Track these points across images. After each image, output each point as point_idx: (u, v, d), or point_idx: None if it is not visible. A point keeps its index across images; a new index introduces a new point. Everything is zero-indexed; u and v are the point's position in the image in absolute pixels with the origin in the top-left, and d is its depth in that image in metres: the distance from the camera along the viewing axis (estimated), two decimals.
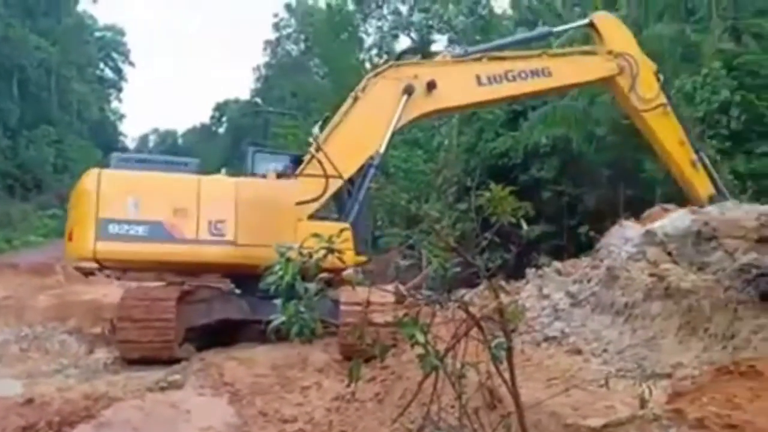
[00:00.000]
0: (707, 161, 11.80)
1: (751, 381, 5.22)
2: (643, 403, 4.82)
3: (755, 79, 14.78)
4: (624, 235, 9.39)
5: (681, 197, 14.91)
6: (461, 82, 10.80)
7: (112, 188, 9.12)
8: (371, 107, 10.31)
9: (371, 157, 9.99)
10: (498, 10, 33.36)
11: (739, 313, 6.49)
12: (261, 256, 7.89)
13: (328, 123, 10.65)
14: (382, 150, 10.16)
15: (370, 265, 10.92)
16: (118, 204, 9.00)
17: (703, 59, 14.76)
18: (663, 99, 11.37)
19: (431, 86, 10.42)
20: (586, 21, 11.90)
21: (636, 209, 16.07)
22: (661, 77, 11.56)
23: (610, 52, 11.29)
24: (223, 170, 10.68)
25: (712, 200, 11.01)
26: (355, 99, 10.40)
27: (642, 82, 11.24)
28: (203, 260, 9.22)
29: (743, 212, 8.52)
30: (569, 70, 11.41)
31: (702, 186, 11.49)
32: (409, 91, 10.27)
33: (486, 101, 12.07)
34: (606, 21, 11.80)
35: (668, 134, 11.53)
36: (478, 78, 10.80)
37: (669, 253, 8.35)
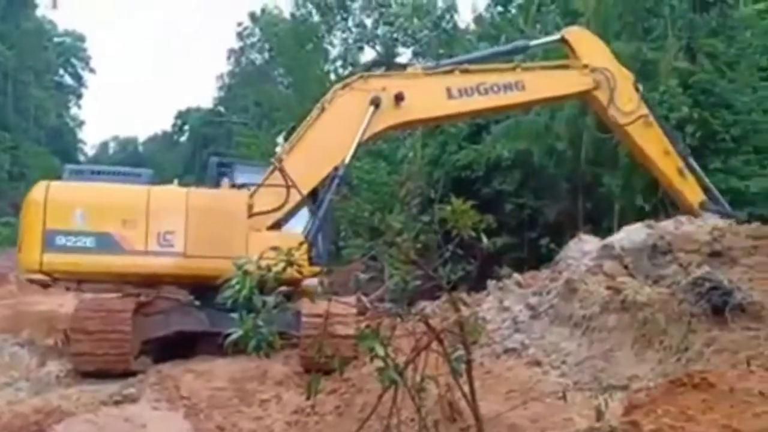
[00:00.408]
0: (696, 167, 11.70)
1: (703, 393, 5.32)
2: (599, 415, 4.90)
3: (709, 97, 15.22)
4: (582, 248, 9.56)
5: (638, 211, 15.29)
6: (431, 95, 10.71)
7: (60, 199, 9.05)
8: (337, 118, 10.26)
9: (336, 168, 9.91)
10: (462, 25, 33.82)
11: (693, 326, 6.63)
12: (211, 267, 7.87)
13: (293, 133, 10.61)
14: (347, 161, 10.08)
15: (332, 277, 10.89)
16: (66, 215, 8.93)
17: (660, 77, 15.14)
18: (644, 110, 11.24)
19: (399, 98, 10.32)
20: (557, 36, 11.84)
21: (595, 222, 16.43)
22: (641, 87, 11.46)
23: (585, 66, 11.15)
24: (176, 181, 10.58)
25: (703, 206, 10.97)
26: (322, 110, 10.35)
27: (621, 95, 11.10)
28: (152, 272, 9.12)
29: (696, 227, 8.77)
30: (543, 84, 11.24)
31: (692, 193, 11.37)
32: (376, 102, 10.19)
33: (457, 114, 11.91)
34: (578, 35, 11.68)
35: (652, 145, 11.39)
36: (448, 91, 10.68)
37: (626, 267, 8.53)
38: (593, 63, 11.13)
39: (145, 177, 9.99)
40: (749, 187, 14.83)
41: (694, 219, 9.48)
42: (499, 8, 30.54)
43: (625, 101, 11.10)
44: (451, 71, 10.88)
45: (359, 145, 10.30)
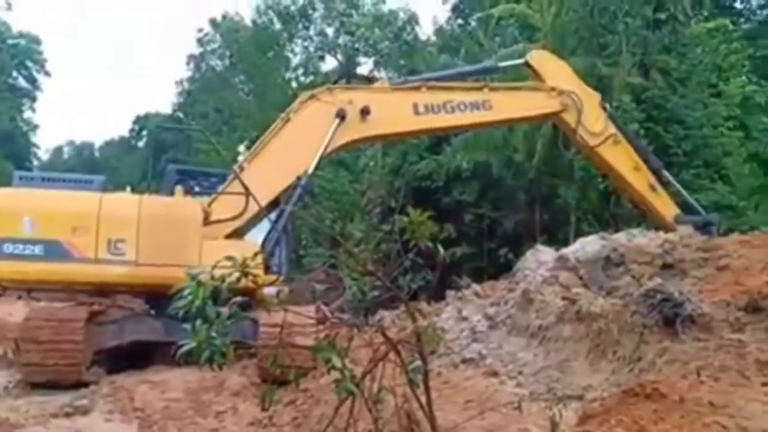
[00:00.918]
0: (670, 177, 11.85)
1: (655, 403, 5.44)
2: (554, 425, 4.96)
3: (662, 112, 15.66)
4: (539, 259, 9.70)
5: (593, 221, 15.62)
6: (397, 110, 10.71)
7: (8, 206, 8.90)
8: (302, 129, 10.23)
9: (299, 178, 9.88)
10: (422, 36, 34.12)
11: (645, 337, 6.77)
12: (164, 276, 7.78)
13: (256, 142, 10.55)
14: (310, 171, 10.05)
15: (293, 286, 10.82)
16: (14, 223, 8.76)
17: (614, 92, 15.50)
18: (612, 129, 11.33)
19: (365, 112, 10.32)
20: (521, 61, 11.84)
21: (552, 233, 16.72)
22: (608, 106, 11.57)
23: (553, 89, 11.22)
24: (129, 188, 10.41)
25: (677, 220, 11.10)
26: (287, 119, 10.32)
27: (588, 116, 11.18)
28: (103, 280, 8.98)
29: (649, 239, 8.99)
30: (510, 104, 11.27)
31: (664, 207, 11.49)
32: (341, 115, 10.19)
33: (422, 130, 11.93)
34: (541, 59, 11.72)
35: (622, 163, 11.47)
36: (415, 107, 10.70)
37: (580, 278, 8.70)
38: (560, 86, 11.24)
39: (97, 184, 9.81)
40: (699, 200, 15.26)
41: (646, 231, 9.69)
42: (460, 21, 31.01)
43: (593, 122, 11.21)
44: (418, 87, 10.92)
45: (323, 156, 10.27)
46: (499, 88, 11.36)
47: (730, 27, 17.77)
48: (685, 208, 11.71)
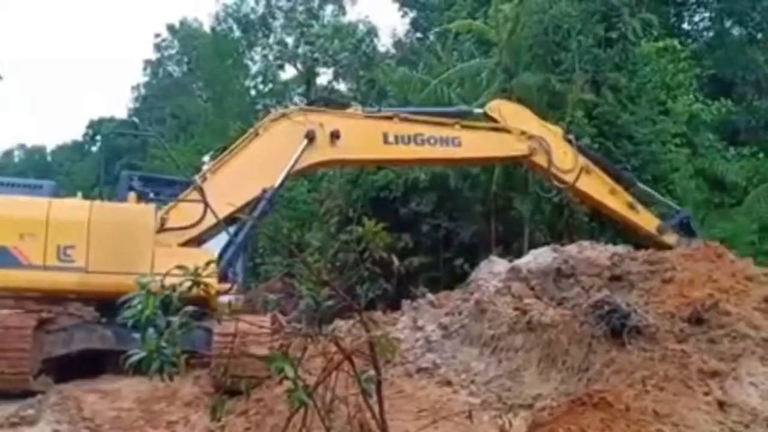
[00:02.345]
0: (645, 188, 12.05)
1: (602, 412, 5.59)
2: None
3: (612, 128, 16.04)
4: (492, 270, 9.87)
5: (547, 232, 15.90)
6: (366, 137, 10.76)
7: None
8: (270, 146, 10.22)
9: (265, 190, 9.84)
10: (382, 49, 34.34)
11: (593, 347, 6.97)
12: (114, 283, 7.66)
13: (222, 153, 10.52)
14: (276, 185, 10.01)
15: (249, 295, 10.75)
16: None
17: (566, 108, 15.86)
18: (581, 160, 11.43)
19: (335, 136, 10.34)
20: (480, 111, 11.93)
21: (506, 244, 16.96)
22: (571, 138, 11.69)
23: (523, 133, 11.34)
24: (80, 194, 10.22)
25: (660, 231, 11.33)
26: (255, 134, 10.32)
27: (557, 155, 11.30)
28: (52, 287, 8.78)
29: (598, 252, 9.26)
30: (479, 144, 11.37)
31: (647, 223, 11.65)
32: (310, 136, 10.19)
33: (390, 160, 11.97)
34: (500, 108, 11.79)
35: (598, 190, 11.62)
36: (385, 136, 10.75)
37: (532, 288, 8.90)
38: (524, 129, 11.37)
39: (47, 189, 9.61)
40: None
41: (596, 244, 9.96)
42: (419, 35, 31.31)
43: (563, 159, 11.34)
44: (390, 117, 11.00)
45: (288, 176, 10.26)
46: (471, 126, 11.46)
47: (678, 47, 18.36)
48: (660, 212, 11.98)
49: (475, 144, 11.32)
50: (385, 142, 10.75)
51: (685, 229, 11.60)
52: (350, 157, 11.22)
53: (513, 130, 11.39)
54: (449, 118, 11.37)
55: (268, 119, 10.60)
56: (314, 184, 24.50)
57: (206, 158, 10.78)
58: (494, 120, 11.57)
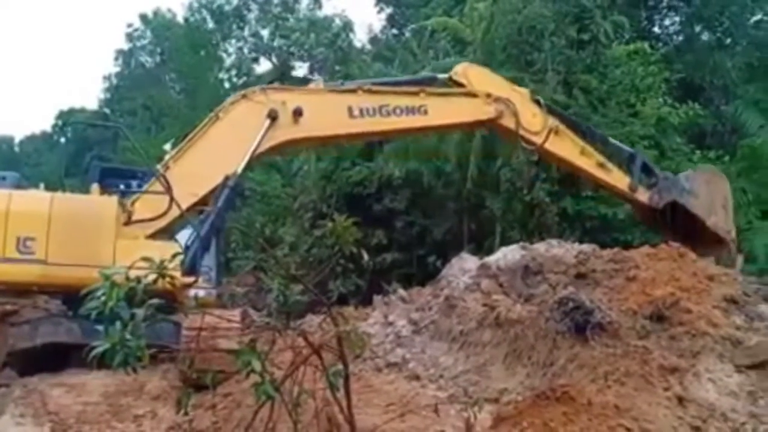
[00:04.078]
0: (614, 142, 12.00)
1: (565, 406, 5.71)
2: (469, 428, 5.16)
3: None
4: (463, 267, 9.96)
5: (519, 230, 16.08)
6: (331, 113, 10.43)
7: None
8: (231, 128, 9.92)
9: (227, 178, 9.58)
10: (357, 44, 34.29)
11: (558, 343, 7.10)
12: (75, 276, 7.59)
13: (183, 140, 10.26)
14: (239, 171, 9.73)
15: (220, 289, 10.66)
16: None
17: None
18: (550, 121, 11.21)
19: (298, 114, 10.03)
20: (445, 77, 11.66)
21: (478, 241, 17.13)
22: (539, 98, 11.50)
23: (489, 95, 11.08)
24: (42, 185, 10.07)
25: (632, 189, 11.33)
26: (216, 118, 10.00)
27: (525, 116, 11.08)
28: (11, 279, 8.70)
29: (565, 250, 9.42)
30: (446, 110, 11.12)
31: (618, 181, 11.53)
32: (273, 116, 9.88)
33: (356, 134, 11.59)
34: (465, 72, 11.51)
35: (569, 150, 11.45)
36: (349, 110, 10.42)
37: (501, 285, 9.01)
38: (491, 92, 11.15)
39: (10, 180, 9.51)
40: (617, 213, 15.97)
41: (564, 243, 10.11)
42: (394, 31, 31.33)
43: (531, 121, 11.12)
44: (354, 90, 10.71)
45: (252, 158, 9.99)
46: (435, 93, 11.20)
47: (649, 50, 18.63)
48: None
49: (442, 111, 11.08)
50: (351, 116, 10.46)
51: (645, 171, 11.64)
52: (315, 134, 10.81)
53: (479, 94, 11.14)
54: (414, 87, 11.18)
55: (228, 101, 10.31)
56: (288, 179, 24.45)
57: (167, 146, 10.50)
58: (460, 85, 11.32)
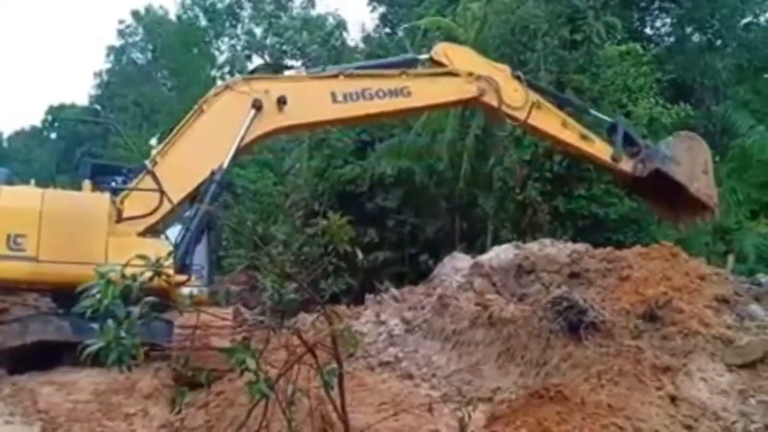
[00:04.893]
0: (595, 113, 12.05)
1: (558, 405, 5.73)
2: (462, 426, 5.15)
3: None
4: (455, 266, 9.97)
5: (512, 229, 16.12)
6: (314, 99, 10.40)
7: None
8: (216, 120, 9.84)
9: (213, 173, 9.49)
10: (351, 43, 34.22)
11: (551, 342, 7.11)
12: (67, 273, 7.49)
13: (169, 135, 10.19)
14: (225, 165, 9.64)
15: (212, 287, 10.57)
16: None
17: None
18: (532, 97, 11.20)
19: (282, 102, 9.99)
20: (426, 57, 11.65)
21: (470, 240, 17.15)
22: (520, 74, 11.52)
23: (470, 74, 11.10)
24: (33, 181, 9.99)
25: (615, 158, 11.23)
26: (200, 111, 9.92)
27: (506, 92, 11.11)
28: (1, 276, 8.53)
29: (558, 249, 9.44)
30: (428, 91, 11.13)
31: (601, 152, 11.50)
32: (257, 105, 9.82)
33: (341, 119, 11.59)
34: (445, 51, 11.50)
35: (551, 124, 11.42)
36: (333, 95, 10.40)
37: (494, 284, 9.02)
38: (472, 71, 11.16)
39: (0, 176, 9.38)
40: (609, 214, 16.04)
41: (557, 242, 10.13)
42: (387, 30, 31.28)
43: (512, 96, 11.13)
44: (336, 76, 10.68)
45: (239, 150, 9.90)
46: (417, 74, 11.19)
47: (641, 51, 18.71)
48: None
49: (424, 92, 11.08)
50: (334, 101, 10.43)
51: (627, 140, 11.59)
52: (300, 121, 10.80)
53: (461, 73, 11.15)
54: (395, 69, 11.17)
55: (212, 93, 10.22)
56: (280, 177, 24.40)
57: (153, 141, 10.38)
58: (441, 65, 11.32)
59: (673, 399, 5.95)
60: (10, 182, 9.37)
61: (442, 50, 11.50)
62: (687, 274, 8.03)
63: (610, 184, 15.97)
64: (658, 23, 25.96)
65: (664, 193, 11.29)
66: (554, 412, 5.63)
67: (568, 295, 7.29)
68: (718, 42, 24.18)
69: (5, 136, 72.56)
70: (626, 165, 11.31)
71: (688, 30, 24.72)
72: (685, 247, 10.20)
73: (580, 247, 9.64)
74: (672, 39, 25.32)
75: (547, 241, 10.21)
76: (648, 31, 25.51)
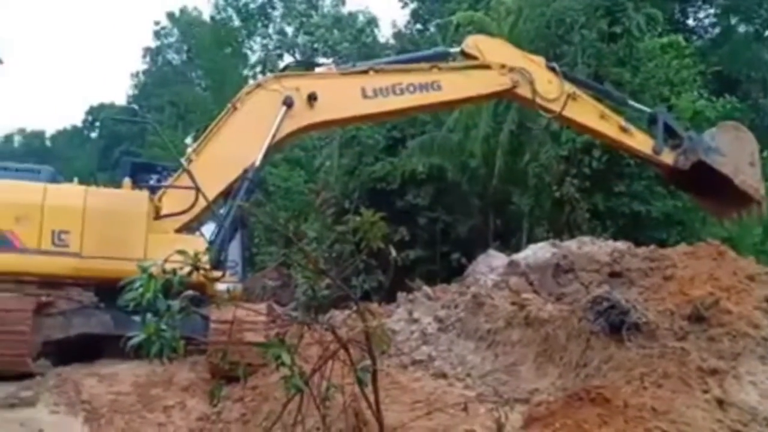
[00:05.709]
0: (633, 103, 11.71)
1: (599, 407, 5.56)
2: (499, 427, 5.03)
3: None
4: (490, 264, 9.81)
5: (548, 227, 15.88)
6: (345, 95, 10.38)
7: None
8: (248, 119, 9.92)
9: (246, 171, 9.57)
10: (382, 39, 34.20)
11: (591, 343, 6.91)
12: (108, 268, 7.66)
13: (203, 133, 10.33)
14: (258, 163, 9.74)
15: (246, 283, 10.64)
16: None
17: None
18: (567, 87, 10.92)
19: (312, 98, 10.01)
20: (457, 50, 11.39)
21: (504, 239, 16.95)
22: (555, 65, 11.25)
23: (503, 66, 10.87)
24: (76, 179, 10.21)
25: (656, 151, 10.91)
26: (233, 109, 10.02)
27: (541, 84, 10.87)
28: (47, 271, 8.76)
29: (598, 247, 9.20)
30: (461, 84, 10.94)
31: (641, 144, 11.14)
32: (288, 103, 9.87)
33: (371, 115, 11.46)
34: (477, 43, 11.28)
35: (588, 116, 11.14)
36: (363, 90, 10.36)
37: (530, 283, 8.83)
38: (505, 62, 10.92)
39: (45, 174, 9.64)
40: (651, 211, 15.66)
41: (597, 240, 9.88)
42: (419, 26, 31.17)
43: (547, 88, 10.88)
44: (366, 71, 10.60)
45: (271, 147, 9.98)
46: (448, 68, 10.98)
47: (683, 43, 18.25)
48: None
49: (456, 85, 10.89)
50: (364, 96, 10.37)
51: (668, 131, 11.16)
52: (330, 117, 10.72)
53: (493, 65, 10.92)
54: (426, 63, 11.02)
55: (244, 92, 10.28)
56: (311, 175, 24.50)
57: (188, 140, 10.51)
58: (473, 57, 11.10)
59: (720, 403, 5.72)
60: (54, 180, 9.60)
61: (473, 43, 11.29)
62: (735, 273, 7.72)
63: (652, 181, 15.59)
64: (701, 14, 25.41)
65: (709, 186, 10.85)
66: (595, 414, 5.47)
67: (609, 294, 7.07)
68: (766, 32, 23.53)
69: (48, 135, 74.61)
70: (668, 157, 10.93)
71: (734, 21, 24.10)
72: (733, 246, 9.87)
73: (622, 245, 9.38)
74: (716, 30, 24.72)
75: (587, 239, 9.97)
76: (690, 22, 24.97)
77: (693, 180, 10.97)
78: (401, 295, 10.32)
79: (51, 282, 8.98)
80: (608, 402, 5.60)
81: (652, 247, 9.34)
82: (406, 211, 17.88)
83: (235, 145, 9.78)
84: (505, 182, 16.95)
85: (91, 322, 8.79)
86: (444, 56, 11.52)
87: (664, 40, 17.82)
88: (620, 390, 5.84)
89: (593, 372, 6.64)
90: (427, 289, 10.32)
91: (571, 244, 9.56)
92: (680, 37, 18.47)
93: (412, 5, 31.43)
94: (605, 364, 6.62)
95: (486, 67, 10.96)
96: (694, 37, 22.12)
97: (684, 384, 5.93)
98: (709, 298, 7.00)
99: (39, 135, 75.70)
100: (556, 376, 7.00)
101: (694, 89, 17.22)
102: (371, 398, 4.52)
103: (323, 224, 19.32)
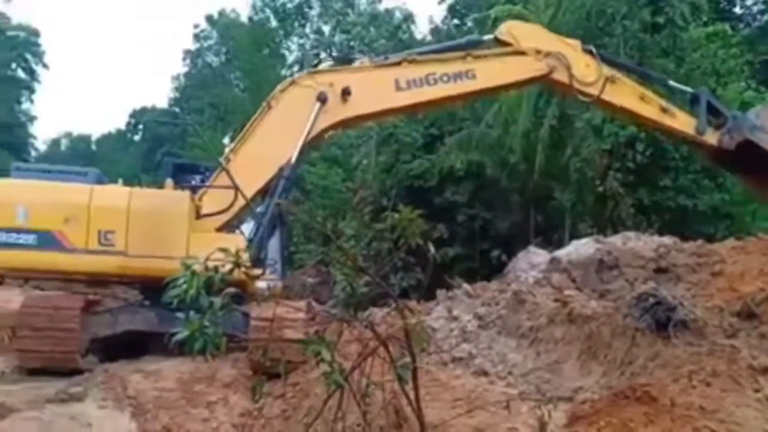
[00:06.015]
0: (674, 84, 11.46)
1: (645, 406, 5.44)
2: (542, 425, 4.95)
3: None
4: (531, 261, 9.68)
5: (591, 223, 15.59)
6: (378, 88, 10.33)
7: (4, 197, 8.98)
8: (282, 116, 9.98)
9: (281, 169, 9.64)
10: (418, 36, 34.08)
11: (637, 340, 6.76)
12: (152, 267, 7.80)
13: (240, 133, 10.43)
14: (293, 161, 9.76)
15: (285, 281, 10.72)
16: (7, 212, 8.82)
17: None
18: (605, 70, 10.66)
19: (346, 93, 10.00)
20: (491, 37, 11.18)
21: (546, 235, 16.73)
22: (592, 48, 10.92)
23: (539, 52, 10.63)
24: (120, 180, 10.45)
25: (699, 132, 10.59)
26: (268, 107, 10.07)
27: (578, 68, 10.63)
28: (94, 270, 9.00)
29: (643, 243, 8.99)
30: (496, 71, 10.77)
31: (684, 125, 10.80)
32: (322, 98, 9.87)
33: (406, 107, 11.36)
34: (511, 29, 11.07)
35: (627, 99, 10.83)
36: (396, 83, 10.31)
37: (573, 280, 8.68)
38: (541, 47, 10.67)
39: (91, 176, 9.90)
40: (698, 205, 15.27)
41: (641, 235, 9.65)
42: (456, 21, 30.97)
43: (584, 72, 10.65)
44: (398, 63, 10.49)
45: (306, 144, 9.97)
46: (483, 56, 10.74)
47: (729, 32, 17.74)
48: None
49: (491, 73, 10.70)
50: (398, 88, 10.30)
51: (711, 111, 10.74)
52: (365, 111, 10.63)
53: (528, 51, 10.67)
54: (459, 52, 10.79)
55: (278, 90, 10.27)
56: (348, 173, 24.58)
57: (226, 139, 10.64)
58: (507, 44, 10.86)
59: None
60: (100, 182, 9.85)
61: (507, 29, 11.05)
62: None
63: (698, 174, 15.22)
64: (748, 1, 24.62)
65: (755, 166, 10.46)
66: (641, 413, 5.36)
67: (655, 291, 6.90)
68: None
69: (93, 138, 76.61)
70: (712, 138, 10.56)
71: None
72: None
73: (667, 240, 9.15)
74: (765, 18, 23.94)
75: (631, 234, 9.74)
76: (737, 10, 24.23)
77: (738, 160, 10.59)
78: (440, 293, 10.26)
79: (98, 280, 9.29)
80: (655, 400, 5.47)
81: (700, 242, 9.10)
82: (445, 209, 17.79)
83: (271, 143, 9.85)
84: (546, 178, 16.72)
85: (137, 320, 8.99)
86: (477, 44, 11.27)
87: (710, 29, 17.37)
88: (667, 388, 5.70)
89: (639, 370, 6.50)
90: (466, 286, 10.22)
91: (616, 240, 9.36)
92: (726, 26, 17.98)
93: (449, 0, 31.26)
94: (651, 362, 6.47)
95: (521, 53, 10.72)
96: (742, 25, 21.48)
97: (734, 382, 5.76)
98: (761, 294, 6.80)
99: (85, 139, 77.83)
100: (600, 374, 6.86)
101: (742, 79, 16.73)
102: (411, 395, 4.49)
103: (361, 222, 19.36)
